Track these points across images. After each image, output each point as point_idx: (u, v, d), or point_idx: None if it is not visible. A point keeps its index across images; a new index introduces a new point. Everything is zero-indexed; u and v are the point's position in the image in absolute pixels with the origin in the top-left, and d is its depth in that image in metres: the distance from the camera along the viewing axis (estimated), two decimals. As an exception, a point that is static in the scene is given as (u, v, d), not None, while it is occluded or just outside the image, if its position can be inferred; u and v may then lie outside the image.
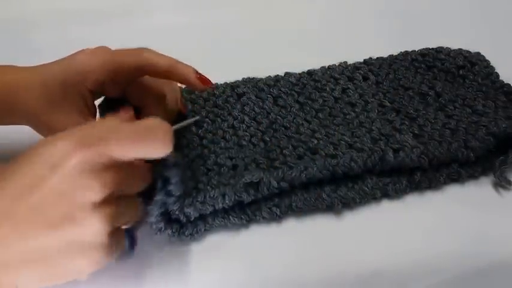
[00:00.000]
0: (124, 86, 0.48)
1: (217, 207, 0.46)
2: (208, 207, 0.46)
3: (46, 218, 0.34)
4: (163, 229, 0.45)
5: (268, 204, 0.48)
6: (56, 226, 0.34)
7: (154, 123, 0.37)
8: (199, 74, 0.48)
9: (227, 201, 0.46)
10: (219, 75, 0.58)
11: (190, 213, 0.45)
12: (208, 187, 0.46)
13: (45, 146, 0.36)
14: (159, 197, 0.42)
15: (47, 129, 0.47)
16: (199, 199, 0.45)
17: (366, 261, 0.46)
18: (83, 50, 0.47)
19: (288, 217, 0.49)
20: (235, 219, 0.47)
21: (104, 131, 0.36)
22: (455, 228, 0.48)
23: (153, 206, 0.42)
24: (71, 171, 0.34)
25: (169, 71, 0.46)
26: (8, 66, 0.48)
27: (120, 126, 0.36)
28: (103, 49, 0.47)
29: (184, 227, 0.46)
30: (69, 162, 0.34)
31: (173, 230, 0.46)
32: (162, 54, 0.47)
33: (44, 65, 0.48)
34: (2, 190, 0.35)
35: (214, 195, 0.46)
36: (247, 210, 0.48)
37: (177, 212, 0.45)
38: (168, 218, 0.46)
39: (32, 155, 0.36)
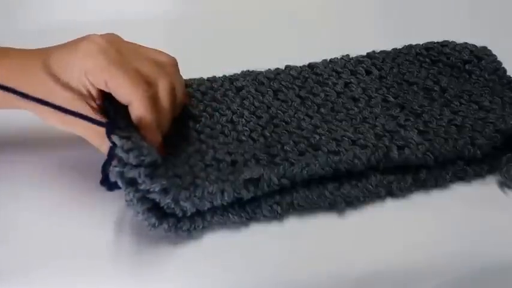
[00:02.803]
0: None
1: (215, 204, 0.45)
2: (206, 203, 0.44)
3: None
4: (156, 224, 0.44)
5: (268, 201, 0.47)
6: None
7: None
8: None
9: (226, 198, 0.44)
10: (217, 68, 0.57)
11: (186, 207, 0.44)
12: (207, 182, 0.45)
13: None
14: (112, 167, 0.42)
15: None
16: (197, 194, 0.44)
17: (369, 261, 0.45)
18: (90, 39, 0.45)
19: (290, 215, 0.48)
20: (235, 217, 0.46)
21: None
22: (462, 227, 0.47)
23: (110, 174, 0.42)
24: None
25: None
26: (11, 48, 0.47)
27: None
28: (109, 51, 0.44)
29: (182, 222, 0.45)
30: None
31: (169, 225, 0.44)
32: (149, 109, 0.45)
33: (49, 50, 0.46)
34: None
35: (212, 191, 0.44)
36: (247, 208, 0.46)
37: (172, 205, 0.43)
38: (161, 213, 0.44)
39: None
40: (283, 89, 0.55)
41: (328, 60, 0.58)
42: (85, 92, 0.44)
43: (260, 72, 0.57)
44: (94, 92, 0.45)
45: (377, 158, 0.48)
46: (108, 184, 0.43)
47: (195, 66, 0.58)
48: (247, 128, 0.51)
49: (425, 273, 0.45)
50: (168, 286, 0.44)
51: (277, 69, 0.57)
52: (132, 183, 0.42)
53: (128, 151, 0.42)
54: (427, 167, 0.49)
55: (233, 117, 0.52)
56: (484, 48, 0.58)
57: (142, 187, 0.42)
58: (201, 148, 0.49)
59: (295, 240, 0.46)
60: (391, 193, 0.49)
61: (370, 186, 0.48)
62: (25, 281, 0.44)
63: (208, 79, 0.56)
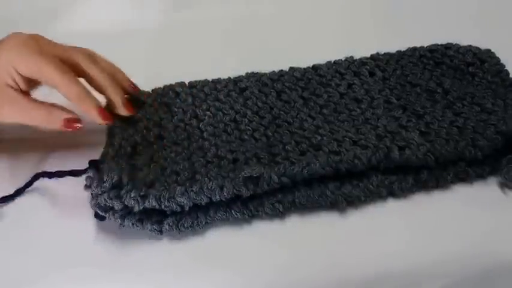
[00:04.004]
0: None
1: (214, 199, 0.45)
2: (203, 197, 0.45)
3: None
4: (156, 228, 0.46)
5: (271, 200, 0.47)
6: None
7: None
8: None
9: (225, 194, 0.45)
10: (222, 70, 0.58)
11: (183, 202, 0.45)
12: (206, 178, 0.46)
13: None
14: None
15: None
16: (193, 189, 0.45)
17: (370, 261, 0.45)
18: (12, 35, 0.49)
19: (291, 214, 0.48)
20: (238, 213, 0.47)
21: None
22: (462, 228, 0.47)
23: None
24: None
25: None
26: None
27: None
28: (33, 45, 0.48)
29: (184, 219, 0.46)
30: None
31: (170, 224, 0.46)
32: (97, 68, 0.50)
33: None
34: None
35: (211, 187, 0.45)
36: (249, 205, 0.47)
37: (166, 203, 0.45)
38: (159, 218, 0.46)
39: None
40: (286, 90, 0.55)
41: (332, 61, 0.59)
42: (11, 82, 0.48)
43: (264, 74, 0.58)
44: (20, 80, 0.48)
45: (378, 159, 0.48)
46: (99, 216, 0.46)
47: (200, 69, 0.59)
48: (249, 128, 0.51)
49: (426, 274, 0.45)
50: (168, 283, 0.45)
51: (281, 71, 0.58)
52: (111, 208, 0.45)
53: (90, 185, 0.45)
54: (428, 168, 0.49)
55: (236, 116, 0.53)
56: (488, 51, 0.58)
57: (116, 207, 0.45)
58: (203, 145, 0.50)
59: (296, 238, 0.47)
60: (393, 193, 0.49)
61: (371, 186, 0.48)
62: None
63: (213, 80, 0.57)
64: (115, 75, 0.53)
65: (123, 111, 0.51)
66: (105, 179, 0.45)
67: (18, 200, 0.50)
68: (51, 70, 0.47)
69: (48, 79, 0.47)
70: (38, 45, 0.48)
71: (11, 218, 0.49)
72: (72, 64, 0.50)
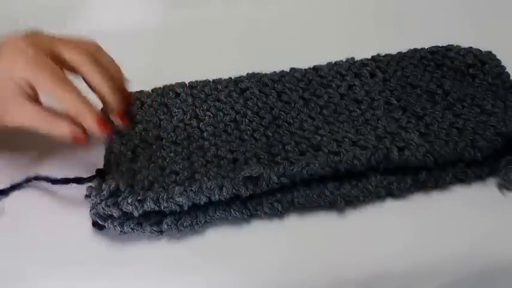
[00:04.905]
0: None
1: (213, 199, 0.46)
2: (202, 197, 0.45)
3: None
4: (155, 229, 0.46)
5: (269, 199, 0.47)
6: None
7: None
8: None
9: (224, 194, 0.45)
10: (223, 70, 0.59)
11: (182, 202, 0.45)
12: (205, 178, 0.46)
13: None
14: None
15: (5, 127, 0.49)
16: (193, 188, 0.45)
17: (369, 261, 0.45)
18: (10, 44, 0.47)
19: (290, 213, 0.48)
20: (237, 212, 0.47)
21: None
22: (461, 229, 0.47)
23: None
24: None
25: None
26: None
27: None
28: (30, 47, 0.47)
29: (183, 218, 0.46)
30: None
31: (169, 223, 0.46)
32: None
33: None
34: None
35: (211, 186, 0.45)
36: (248, 205, 0.47)
37: (165, 204, 0.45)
38: (158, 220, 0.46)
39: None
40: (286, 90, 0.56)
41: (333, 62, 0.59)
42: (19, 89, 0.47)
43: (265, 74, 0.58)
44: (26, 88, 0.47)
45: (377, 159, 0.48)
46: (97, 225, 0.47)
47: (200, 69, 0.59)
48: (249, 128, 0.52)
49: (425, 274, 0.45)
50: (168, 281, 0.45)
51: (282, 71, 0.58)
52: (110, 216, 0.46)
53: (89, 195, 0.46)
54: (427, 169, 0.49)
55: (236, 116, 0.53)
56: (489, 52, 0.58)
57: (115, 215, 0.45)
58: (203, 145, 0.50)
59: (295, 237, 0.47)
60: (391, 193, 0.49)
61: (370, 187, 0.48)
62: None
63: (213, 81, 0.58)
64: (117, 79, 0.51)
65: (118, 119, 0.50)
66: (103, 188, 0.45)
67: (17, 198, 0.51)
68: (47, 80, 0.46)
69: (43, 89, 0.46)
70: (34, 49, 0.47)
71: (9, 215, 0.50)
72: (72, 65, 0.48)
